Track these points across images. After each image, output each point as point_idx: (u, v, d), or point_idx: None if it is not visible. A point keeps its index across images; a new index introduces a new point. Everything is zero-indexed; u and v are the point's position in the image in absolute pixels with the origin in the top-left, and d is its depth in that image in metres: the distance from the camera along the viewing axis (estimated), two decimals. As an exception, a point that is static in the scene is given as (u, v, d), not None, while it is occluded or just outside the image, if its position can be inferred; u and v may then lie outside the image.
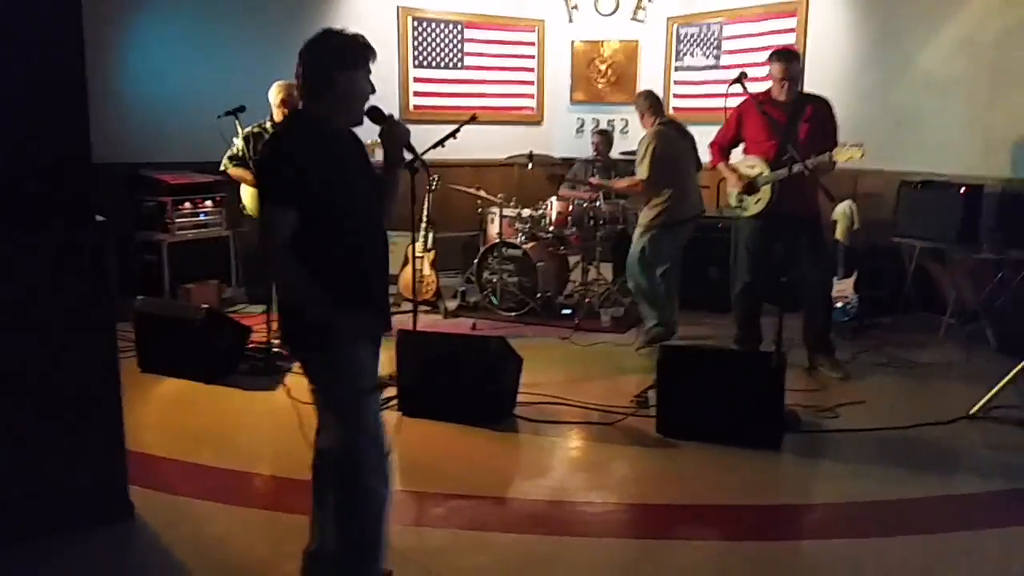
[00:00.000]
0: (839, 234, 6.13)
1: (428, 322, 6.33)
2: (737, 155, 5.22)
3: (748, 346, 5.21)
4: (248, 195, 5.64)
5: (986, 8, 6.11)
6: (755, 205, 4.95)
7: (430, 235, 6.72)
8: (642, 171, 5.56)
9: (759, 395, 4.00)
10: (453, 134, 4.91)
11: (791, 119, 4.82)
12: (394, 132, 2.69)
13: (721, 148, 5.18)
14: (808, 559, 3.19)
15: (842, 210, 6.09)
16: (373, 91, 2.57)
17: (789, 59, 4.90)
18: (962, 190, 5.77)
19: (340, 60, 2.54)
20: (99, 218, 3.31)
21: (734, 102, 4.95)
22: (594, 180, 6.37)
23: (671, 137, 5.60)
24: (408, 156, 2.87)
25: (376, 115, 2.68)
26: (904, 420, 4.36)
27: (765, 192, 4.87)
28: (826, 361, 5.11)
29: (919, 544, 3.21)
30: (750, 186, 4.93)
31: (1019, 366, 4.29)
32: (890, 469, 3.93)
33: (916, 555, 3.13)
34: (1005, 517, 3.44)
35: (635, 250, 5.66)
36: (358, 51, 2.56)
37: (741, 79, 4.46)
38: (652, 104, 5.73)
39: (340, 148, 2.60)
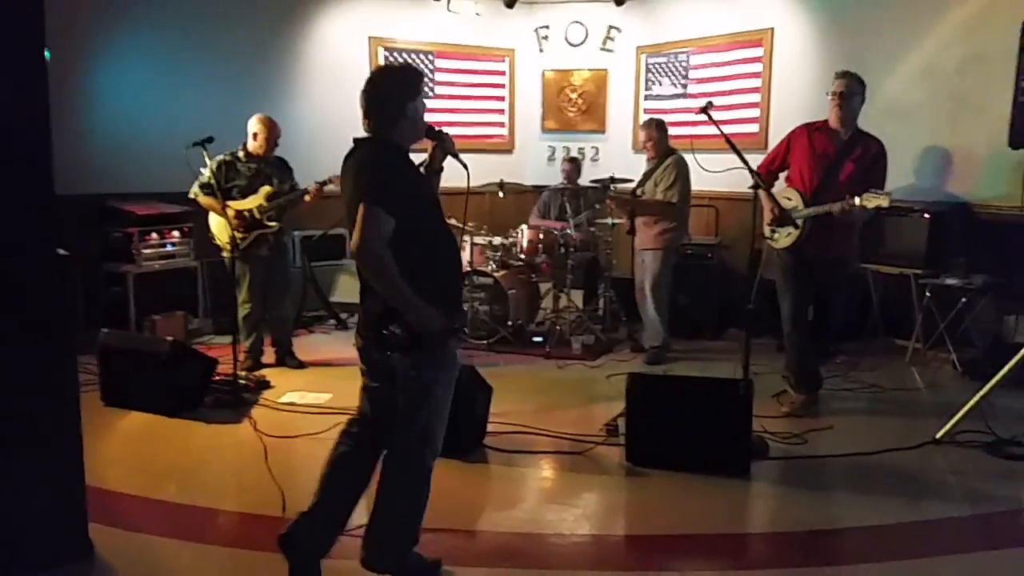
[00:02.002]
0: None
1: (399, 351, 6.31)
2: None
3: (806, 388, 5.01)
4: (217, 224, 5.61)
5: (948, 36, 6.23)
6: (785, 239, 4.85)
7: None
8: (673, 194, 5.98)
9: (727, 422, 4.01)
10: (422, 164, 4.88)
11: (839, 155, 4.74)
12: (445, 145, 3.07)
13: (767, 172, 5.01)
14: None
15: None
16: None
17: (844, 75, 4.79)
18: (926, 216, 5.85)
19: (409, 91, 2.90)
20: (61, 252, 3.27)
21: (701, 130, 4.99)
22: (626, 197, 6.42)
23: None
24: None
25: (431, 132, 3.06)
26: (871, 445, 4.38)
27: (802, 226, 4.74)
28: (799, 393, 5.04)
29: (889, 571, 3.21)
30: (783, 218, 4.79)
31: (982, 391, 4.33)
32: (858, 495, 3.95)
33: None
34: (972, 543, 3.46)
35: (656, 271, 6.05)
36: (419, 81, 2.97)
37: (707, 109, 4.50)
38: (664, 132, 6.13)
39: (412, 164, 2.95)
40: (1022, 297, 5.51)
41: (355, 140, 2.96)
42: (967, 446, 4.35)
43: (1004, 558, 3.34)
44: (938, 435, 4.39)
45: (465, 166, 3.11)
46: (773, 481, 4.03)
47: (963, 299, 5.67)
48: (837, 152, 4.76)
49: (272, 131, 5.64)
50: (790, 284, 4.95)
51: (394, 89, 2.89)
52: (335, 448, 3.10)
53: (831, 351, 5.50)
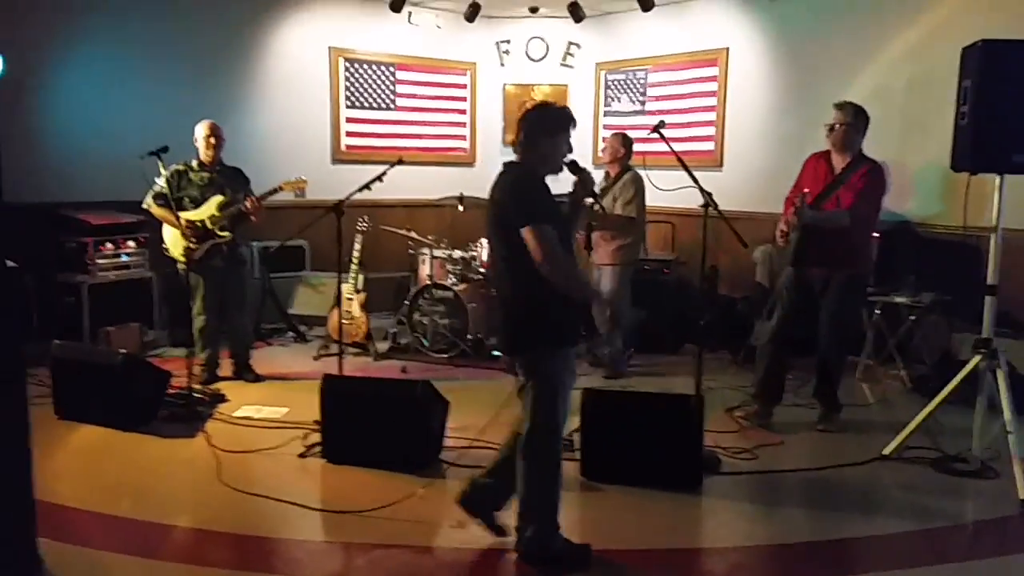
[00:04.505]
0: (759, 277, 6.29)
1: (358, 364, 6.31)
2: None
3: (764, 401, 5.14)
4: (170, 236, 5.56)
5: (896, 57, 6.41)
6: (788, 253, 4.97)
7: (360, 276, 6.70)
8: (631, 210, 6.04)
9: (678, 438, 4.06)
10: (379, 177, 4.91)
11: (836, 181, 4.84)
12: (586, 181, 3.50)
13: (790, 201, 5.04)
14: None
15: (762, 254, 6.26)
16: (571, 150, 3.36)
17: (840, 106, 4.91)
18: (875, 235, 5.98)
19: (547, 127, 3.30)
20: (10, 263, 3.23)
21: (653, 147, 5.05)
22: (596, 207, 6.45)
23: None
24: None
25: (573, 167, 3.42)
26: (821, 461, 4.47)
27: (793, 240, 4.88)
28: (822, 412, 5.11)
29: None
30: (788, 234, 4.91)
31: (928, 407, 4.43)
32: (807, 510, 4.04)
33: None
34: (917, 557, 3.53)
35: (613, 287, 6.12)
36: (561, 122, 3.32)
37: (659, 128, 4.57)
38: (629, 148, 6.20)
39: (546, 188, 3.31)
40: (969, 315, 5.64)
41: (505, 164, 3.37)
42: (915, 462, 4.44)
43: (947, 572, 3.42)
44: (886, 451, 4.49)
45: (598, 206, 3.92)
46: (724, 496, 4.08)
47: (912, 316, 5.81)
48: (835, 179, 4.88)
49: (220, 134, 5.62)
50: (784, 299, 5.06)
51: (535, 123, 3.30)
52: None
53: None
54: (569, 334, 3.36)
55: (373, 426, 4.32)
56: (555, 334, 3.28)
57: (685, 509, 3.95)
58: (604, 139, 6.62)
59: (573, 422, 4.55)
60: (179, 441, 4.68)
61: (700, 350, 4.46)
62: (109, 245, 6.42)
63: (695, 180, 4.38)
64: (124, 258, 6.52)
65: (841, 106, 4.92)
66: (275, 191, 5.59)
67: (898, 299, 5.86)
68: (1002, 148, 4.07)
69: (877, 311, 5.96)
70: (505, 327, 3.41)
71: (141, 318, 6.56)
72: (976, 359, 4.28)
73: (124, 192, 5.95)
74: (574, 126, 3.34)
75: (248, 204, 5.48)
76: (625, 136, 6.27)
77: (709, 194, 4.42)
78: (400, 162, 5.27)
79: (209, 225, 5.52)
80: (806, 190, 4.82)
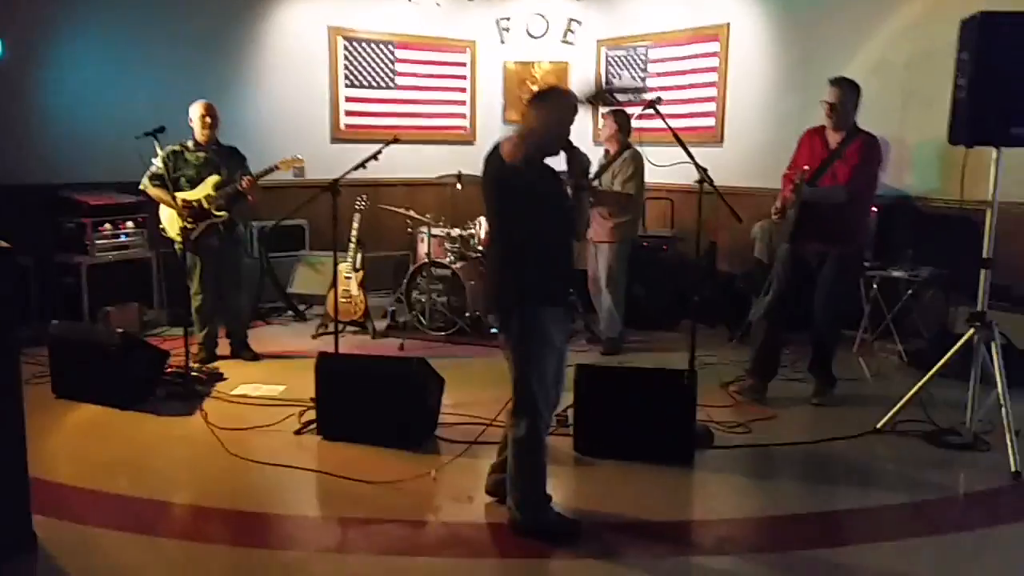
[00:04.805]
0: (757, 252, 6.28)
1: (356, 343, 6.35)
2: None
3: (759, 376, 5.15)
4: (167, 216, 5.57)
5: (897, 32, 6.36)
6: (785, 230, 4.97)
7: (359, 255, 6.71)
8: (630, 187, 6.02)
9: (671, 412, 4.08)
10: (374, 156, 4.90)
11: (831, 156, 4.83)
12: (580, 160, 3.41)
13: (788, 177, 5.06)
14: (718, 574, 3.24)
15: (760, 230, 6.24)
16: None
17: (835, 83, 4.87)
18: (874, 209, 5.95)
19: (544, 109, 3.35)
20: (3, 244, 3.25)
21: (656, 124, 5.02)
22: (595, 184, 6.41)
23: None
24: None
25: (567, 147, 3.40)
26: (814, 435, 4.49)
27: (790, 216, 4.88)
28: (816, 387, 5.13)
29: (827, 556, 3.30)
30: (784, 212, 4.92)
31: (921, 381, 4.44)
32: (798, 483, 4.06)
33: (822, 568, 3.21)
34: (908, 529, 3.56)
35: (611, 263, 6.12)
36: (553, 101, 3.39)
37: (654, 104, 4.55)
38: (626, 125, 6.17)
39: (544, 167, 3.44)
40: (967, 289, 5.62)
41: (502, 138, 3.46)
42: (907, 435, 4.46)
43: (938, 544, 3.44)
44: (879, 424, 4.50)
45: (590, 188, 3.61)
46: (717, 470, 4.10)
47: (909, 291, 5.80)
48: (831, 154, 4.86)
49: (215, 114, 5.63)
50: (779, 274, 5.06)
51: (535, 104, 3.40)
52: None
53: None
54: (544, 293, 3.37)
55: (368, 403, 4.35)
56: (530, 291, 3.33)
57: (677, 482, 3.98)
58: (603, 116, 6.58)
59: (567, 398, 4.59)
60: (176, 419, 4.71)
61: (694, 325, 4.46)
62: (108, 226, 6.44)
63: (691, 156, 4.36)
64: (123, 238, 6.55)
65: (837, 82, 4.88)
66: (271, 170, 5.60)
67: (896, 273, 5.84)
68: (999, 121, 4.06)
69: (875, 285, 5.94)
70: (487, 287, 3.54)
71: (141, 298, 6.60)
72: (970, 332, 4.27)
73: (123, 173, 5.94)
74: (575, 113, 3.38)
75: (244, 183, 5.48)
76: (622, 113, 6.25)
77: (704, 170, 4.39)
78: (395, 140, 5.25)
79: (205, 205, 5.53)
80: (806, 167, 4.79)
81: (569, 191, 3.49)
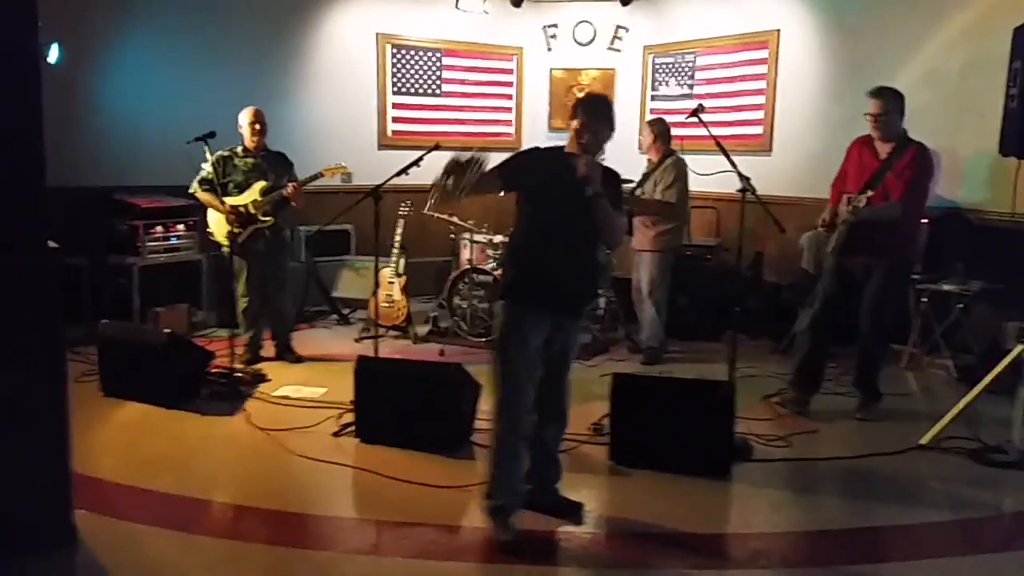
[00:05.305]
0: (805, 263, 6.18)
1: (398, 347, 6.40)
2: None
3: (802, 389, 5.09)
4: (215, 220, 5.68)
5: (950, 41, 6.22)
6: (832, 244, 4.88)
7: (402, 260, 6.77)
8: (671, 195, 5.97)
9: (709, 424, 4.04)
10: (416, 162, 4.94)
11: (881, 168, 4.74)
12: (582, 161, 3.36)
13: (836, 187, 5.03)
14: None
15: (808, 240, 6.14)
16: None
17: (876, 95, 4.79)
18: (925, 221, 5.83)
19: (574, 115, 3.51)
20: (52, 244, 3.35)
21: (696, 132, 4.99)
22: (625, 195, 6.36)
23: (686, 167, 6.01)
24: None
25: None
26: (856, 450, 4.40)
27: (840, 232, 4.78)
28: (860, 401, 5.04)
29: (864, 572, 3.23)
30: (831, 225, 4.84)
31: (967, 397, 4.33)
32: (838, 498, 3.99)
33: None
34: (950, 548, 3.48)
35: (654, 272, 6.10)
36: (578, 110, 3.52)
37: (697, 112, 4.52)
38: (665, 133, 6.15)
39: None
40: (1018, 303, 5.48)
41: None
42: (952, 452, 4.35)
43: (980, 563, 3.36)
44: (923, 440, 4.40)
45: (597, 194, 3.38)
46: (754, 483, 4.04)
47: (960, 305, 5.66)
48: (881, 165, 4.76)
49: (264, 120, 5.72)
50: (825, 286, 4.98)
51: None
52: None
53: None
54: (523, 292, 3.42)
55: (405, 407, 4.38)
56: (513, 286, 3.46)
57: (713, 494, 3.93)
58: (645, 124, 6.56)
59: (602, 407, 4.57)
60: (219, 419, 4.79)
61: (734, 336, 4.41)
62: (159, 228, 6.59)
63: (733, 164, 4.33)
64: (173, 241, 6.69)
65: (877, 93, 4.77)
66: (316, 177, 5.68)
67: (946, 287, 5.71)
68: (1051, 132, 3.94)
69: (924, 299, 5.81)
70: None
71: (190, 299, 6.73)
72: (1019, 348, 4.16)
73: (175, 177, 6.07)
74: (576, 116, 3.49)
75: (289, 189, 5.57)
76: (663, 121, 6.21)
77: (747, 178, 4.35)
78: (437, 147, 5.26)
79: (252, 210, 5.63)
80: (869, 193, 4.61)
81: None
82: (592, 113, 3.47)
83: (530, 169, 3.46)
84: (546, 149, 3.62)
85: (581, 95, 3.65)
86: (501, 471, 3.43)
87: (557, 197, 3.40)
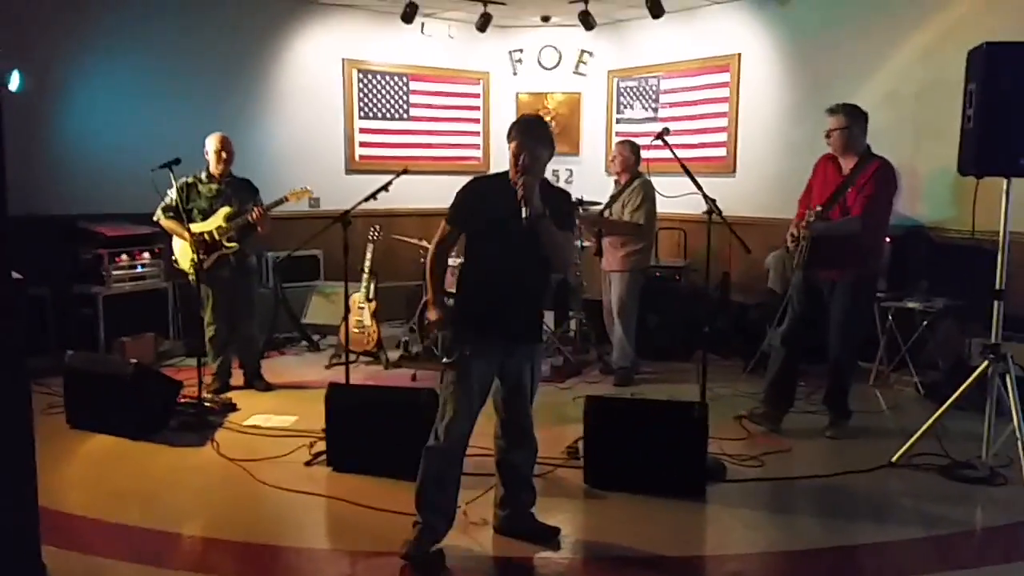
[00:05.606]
0: (771, 283, 6.25)
1: (369, 373, 6.36)
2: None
3: (774, 406, 5.12)
4: (179, 248, 5.62)
5: (908, 63, 6.37)
6: (796, 258, 4.94)
7: (372, 285, 6.74)
8: (639, 216, 6.02)
9: (683, 445, 4.05)
10: (385, 187, 4.94)
11: (844, 183, 4.80)
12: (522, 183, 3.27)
13: (803, 203, 5.06)
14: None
15: (774, 260, 6.22)
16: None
17: (832, 112, 4.87)
18: (887, 239, 5.92)
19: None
20: (15, 274, 3.28)
21: (661, 154, 5.04)
22: (593, 217, 6.41)
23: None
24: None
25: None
26: (829, 468, 4.44)
27: (803, 247, 4.84)
28: (831, 419, 5.07)
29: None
30: (798, 239, 4.89)
31: (936, 414, 4.39)
32: (812, 517, 4.01)
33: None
34: (925, 565, 3.50)
35: (623, 293, 6.11)
36: (514, 129, 3.42)
37: (662, 135, 4.57)
38: (637, 155, 6.21)
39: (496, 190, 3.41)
40: (983, 320, 5.57)
41: None
42: (923, 469, 4.40)
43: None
44: (893, 458, 4.45)
45: (524, 215, 3.28)
46: (729, 503, 4.05)
47: (925, 322, 5.75)
48: (843, 180, 4.84)
49: (230, 147, 5.69)
50: (794, 302, 5.05)
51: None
52: None
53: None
54: (471, 320, 3.42)
55: (377, 434, 4.33)
56: (459, 314, 3.49)
57: (688, 516, 3.93)
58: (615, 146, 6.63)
59: (576, 430, 4.57)
60: (188, 450, 4.72)
61: (704, 356, 4.44)
62: (124, 256, 6.51)
63: (698, 186, 4.38)
64: (139, 269, 6.61)
65: (833, 111, 4.87)
66: (281, 201, 5.65)
67: (911, 304, 5.80)
68: (1008, 152, 4.04)
69: (890, 316, 5.90)
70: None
71: (156, 328, 6.65)
72: (984, 364, 4.23)
73: (139, 204, 6.00)
74: (511, 139, 3.39)
75: (254, 214, 5.53)
76: (633, 143, 6.28)
77: (713, 200, 4.40)
78: (405, 172, 5.28)
79: (216, 236, 5.58)
80: (818, 207, 4.75)
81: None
82: (526, 133, 3.37)
83: (474, 207, 3.44)
84: (487, 178, 3.67)
85: (515, 119, 3.62)
86: (423, 489, 3.47)
87: (500, 223, 3.33)
